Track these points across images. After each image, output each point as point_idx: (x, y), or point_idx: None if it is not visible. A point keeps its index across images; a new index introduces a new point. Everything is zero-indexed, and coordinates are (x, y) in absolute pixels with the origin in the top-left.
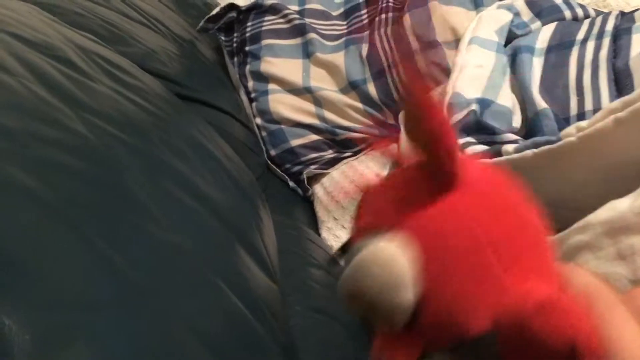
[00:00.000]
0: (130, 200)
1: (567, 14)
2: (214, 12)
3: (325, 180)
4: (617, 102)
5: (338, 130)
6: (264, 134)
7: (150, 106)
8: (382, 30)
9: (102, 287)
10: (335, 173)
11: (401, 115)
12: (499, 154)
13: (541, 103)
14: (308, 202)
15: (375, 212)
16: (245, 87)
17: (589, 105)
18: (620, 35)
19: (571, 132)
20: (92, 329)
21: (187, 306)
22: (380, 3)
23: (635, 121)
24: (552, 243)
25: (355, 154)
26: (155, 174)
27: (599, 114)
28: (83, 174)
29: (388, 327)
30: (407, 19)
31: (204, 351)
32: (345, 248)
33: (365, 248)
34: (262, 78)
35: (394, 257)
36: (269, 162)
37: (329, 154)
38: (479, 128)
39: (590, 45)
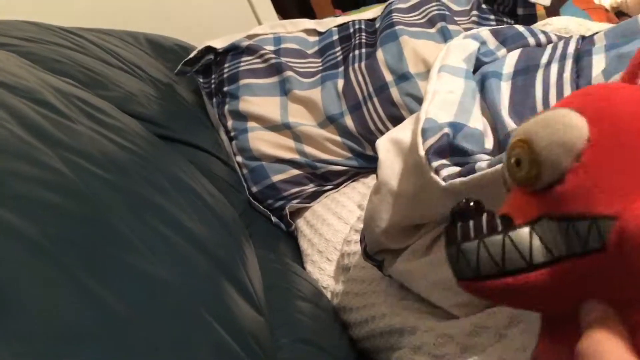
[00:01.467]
0: (113, 234)
1: (531, 40)
2: (192, 55)
3: (307, 214)
4: None
5: (318, 164)
6: (244, 171)
7: (131, 145)
8: (356, 65)
9: (86, 319)
10: (318, 206)
11: None
12: (472, 171)
13: (511, 124)
14: (292, 237)
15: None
16: (225, 126)
17: None
18: (582, 57)
19: None
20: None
21: (173, 337)
22: (353, 40)
23: None
24: None
25: (337, 186)
26: (137, 210)
27: None
28: (64, 210)
29: (533, 182)
30: (379, 54)
31: None
32: None
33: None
34: (241, 117)
35: (575, 120)
36: (251, 198)
37: (310, 187)
38: (452, 150)
39: (554, 68)
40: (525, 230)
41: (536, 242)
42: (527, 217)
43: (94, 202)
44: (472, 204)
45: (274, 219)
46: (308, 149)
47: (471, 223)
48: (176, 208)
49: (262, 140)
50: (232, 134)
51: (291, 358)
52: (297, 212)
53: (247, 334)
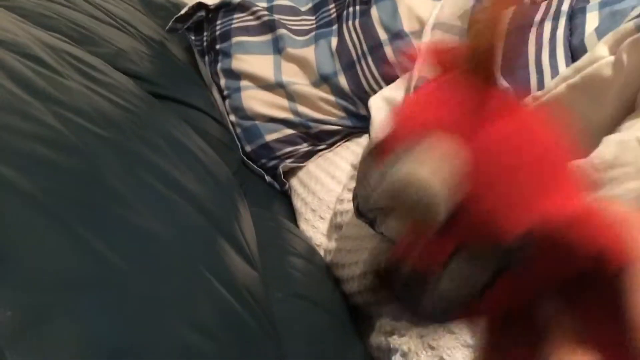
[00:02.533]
0: (107, 190)
1: None
2: (183, 12)
3: (301, 173)
4: (569, 70)
5: (312, 124)
6: (238, 130)
7: (123, 102)
8: (350, 22)
9: (82, 269)
10: (311, 166)
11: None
12: None
13: (503, 82)
14: (285, 196)
15: (416, 115)
16: (218, 85)
17: (548, 82)
18: (576, 15)
19: (528, 103)
20: (72, 307)
21: (169, 289)
22: None
23: (586, 85)
24: (581, 175)
25: (330, 146)
26: (131, 166)
27: (552, 83)
28: (59, 165)
29: (430, 224)
30: (374, 11)
31: (190, 332)
32: (381, 148)
33: (402, 164)
34: (234, 75)
35: (428, 180)
36: (245, 158)
37: (304, 147)
38: None
39: (548, 26)
40: (447, 272)
41: (457, 279)
42: (446, 255)
43: (87, 158)
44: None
45: (267, 178)
46: (301, 109)
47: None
48: (170, 165)
49: (255, 99)
50: (225, 92)
51: (285, 311)
52: (291, 172)
53: (242, 288)
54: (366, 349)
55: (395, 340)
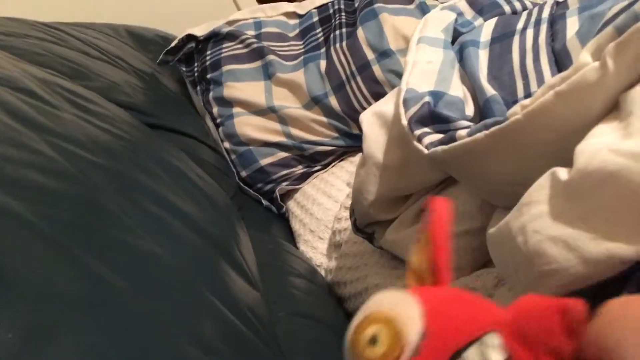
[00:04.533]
0: (105, 214)
1: (507, 8)
2: (173, 44)
3: (297, 195)
4: (556, 78)
5: (305, 145)
6: (233, 156)
7: (117, 131)
8: (338, 45)
9: (82, 290)
10: (307, 187)
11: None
12: (453, 139)
13: (490, 90)
14: (283, 219)
15: None
16: (211, 113)
17: (534, 87)
18: (556, 21)
19: (517, 111)
20: (74, 328)
21: (171, 308)
22: (333, 21)
23: (573, 93)
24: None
25: (325, 167)
26: (127, 191)
27: (539, 91)
28: (55, 191)
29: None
30: (360, 32)
31: (194, 350)
32: None
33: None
34: (226, 103)
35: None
36: (241, 183)
37: (299, 169)
38: (434, 118)
39: (530, 33)
40: None
41: None
42: None
43: (83, 184)
44: None
45: (264, 202)
46: (294, 131)
47: None
48: (166, 189)
49: (248, 125)
50: (218, 120)
51: (289, 330)
52: (288, 194)
53: (244, 308)
54: None
55: None
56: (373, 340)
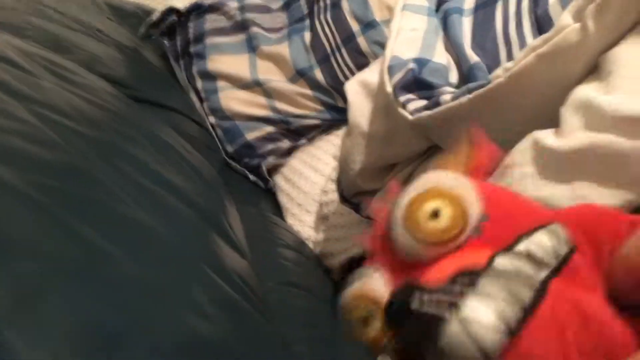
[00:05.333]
0: (93, 183)
1: None
2: (154, 17)
3: (284, 169)
4: (538, 40)
5: (291, 119)
6: (218, 131)
7: (101, 102)
8: (322, 16)
9: (73, 255)
10: (294, 161)
11: None
12: (438, 104)
13: (473, 57)
14: (270, 193)
15: None
16: (195, 88)
17: (516, 53)
18: None
19: (499, 74)
20: (64, 288)
21: (161, 274)
22: None
23: (554, 54)
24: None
25: (311, 140)
26: (113, 161)
27: (522, 53)
28: (40, 158)
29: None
30: (344, 4)
31: (188, 315)
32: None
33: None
34: (210, 77)
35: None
36: (227, 158)
37: (285, 143)
38: (418, 85)
39: (513, 0)
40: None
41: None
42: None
43: (69, 153)
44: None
45: (251, 177)
46: (280, 105)
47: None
48: (153, 161)
49: (233, 99)
50: (203, 95)
51: (277, 298)
52: (274, 169)
53: (235, 276)
54: None
55: None
56: (435, 214)
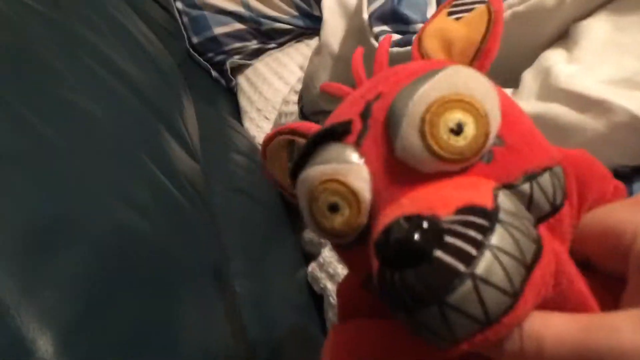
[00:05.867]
0: (42, 65)
1: None
2: None
3: (248, 71)
4: None
5: (263, 20)
6: (185, 19)
7: None
8: None
9: (16, 142)
10: (259, 64)
11: None
12: (408, 43)
13: None
14: (231, 93)
15: None
16: None
17: None
18: None
19: None
20: (7, 180)
21: (104, 167)
22: None
23: (530, 15)
24: None
25: (280, 45)
26: (69, 46)
27: None
28: None
29: (479, 150)
30: None
31: (124, 209)
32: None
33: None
34: None
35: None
36: (191, 49)
37: (253, 44)
38: (394, 17)
39: None
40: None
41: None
42: (490, 193)
43: (23, 32)
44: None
45: (214, 73)
46: (253, 3)
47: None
48: (108, 47)
49: None
50: None
51: (224, 203)
52: (238, 69)
53: (182, 177)
54: (298, 243)
55: None
56: (458, 128)
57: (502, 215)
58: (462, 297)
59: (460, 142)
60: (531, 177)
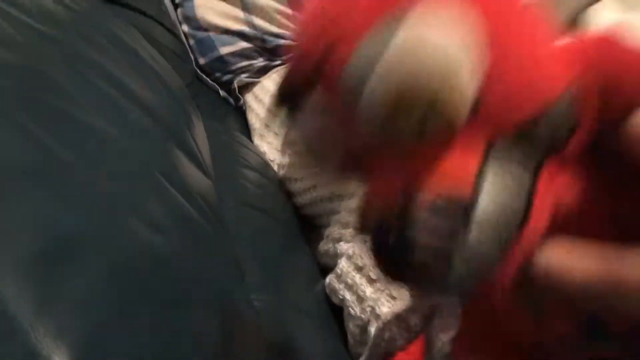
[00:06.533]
0: (52, 85)
1: None
2: None
3: (256, 89)
4: None
5: (268, 37)
6: (191, 42)
7: (67, 1)
8: None
9: (28, 158)
10: (267, 81)
11: None
12: None
13: None
14: (240, 111)
15: None
16: None
17: None
18: None
19: None
20: (21, 193)
21: (118, 184)
22: None
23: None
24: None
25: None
26: (74, 64)
27: None
28: (1, 58)
29: (448, 128)
30: None
31: (141, 226)
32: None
33: (403, 29)
34: None
35: (449, 46)
36: (198, 70)
37: (260, 62)
38: None
39: None
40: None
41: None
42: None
43: (30, 53)
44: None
45: (222, 92)
46: (258, 21)
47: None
48: (117, 67)
49: (209, 9)
50: (177, 0)
51: (237, 218)
52: (246, 87)
53: (195, 193)
54: (314, 256)
55: (341, 246)
56: (422, 122)
57: (489, 183)
58: (458, 274)
59: (429, 127)
60: (523, 131)
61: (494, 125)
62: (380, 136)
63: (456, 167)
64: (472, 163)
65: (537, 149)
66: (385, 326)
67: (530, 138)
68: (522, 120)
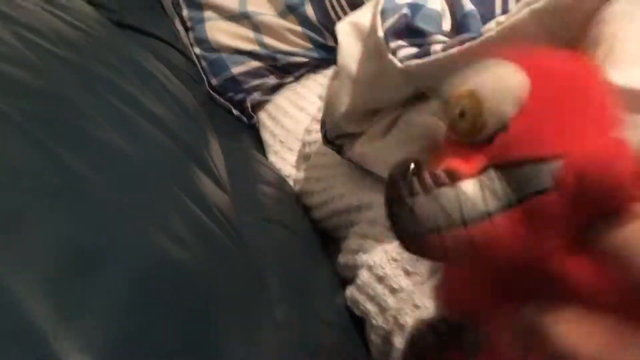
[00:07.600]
0: (73, 108)
1: None
2: None
3: (269, 106)
4: None
5: (279, 56)
6: (203, 63)
7: (82, 25)
8: None
9: (49, 177)
10: (279, 99)
11: None
12: (428, 53)
13: (468, 5)
14: (253, 129)
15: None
16: (180, 16)
17: (512, 3)
18: None
19: (491, 27)
20: (43, 212)
21: (139, 199)
22: None
23: (549, 12)
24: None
25: (297, 79)
26: (94, 88)
27: (515, 7)
28: (22, 82)
29: (478, 132)
30: None
31: (164, 240)
32: None
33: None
34: (197, 5)
35: (515, 69)
36: (211, 91)
37: (271, 80)
38: (410, 31)
39: None
40: (475, 181)
41: (487, 191)
42: (473, 169)
43: (48, 76)
44: (412, 163)
45: (235, 111)
46: (268, 40)
47: (415, 180)
48: (134, 88)
49: (220, 31)
50: (189, 24)
51: (256, 233)
52: (259, 105)
53: (214, 208)
54: (334, 269)
55: (361, 257)
56: (462, 114)
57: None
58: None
59: (463, 124)
60: (516, 164)
61: (497, 151)
62: None
63: (456, 165)
64: (468, 167)
65: (515, 191)
66: None
67: (514, 178)
68: (515, 158)
